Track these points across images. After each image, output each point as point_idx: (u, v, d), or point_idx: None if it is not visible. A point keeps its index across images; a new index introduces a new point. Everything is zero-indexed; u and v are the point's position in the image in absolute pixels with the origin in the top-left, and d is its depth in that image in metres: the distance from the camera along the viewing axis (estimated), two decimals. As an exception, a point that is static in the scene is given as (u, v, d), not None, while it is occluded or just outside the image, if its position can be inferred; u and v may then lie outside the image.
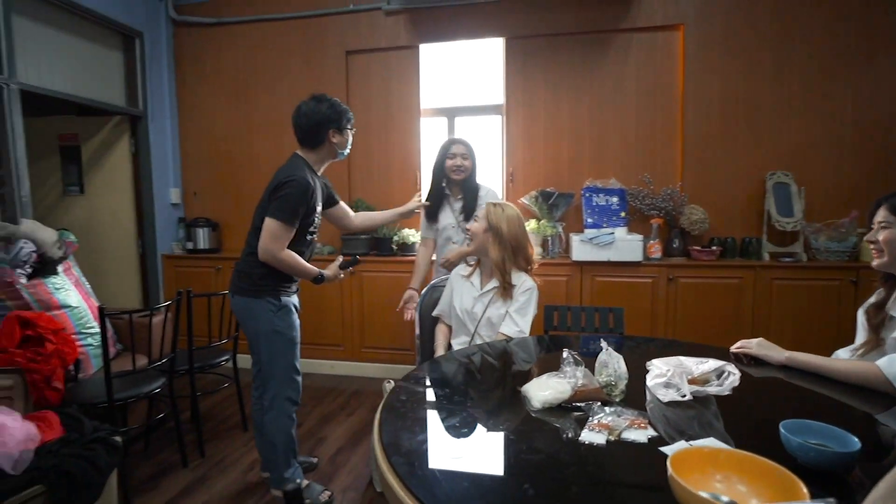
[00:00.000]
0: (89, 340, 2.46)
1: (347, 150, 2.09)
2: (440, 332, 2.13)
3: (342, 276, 2.09)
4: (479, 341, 1.96)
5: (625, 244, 3.09)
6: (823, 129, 3.13)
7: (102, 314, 2.05)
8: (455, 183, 2.50)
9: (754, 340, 1.56)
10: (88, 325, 2.47)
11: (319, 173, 2.07)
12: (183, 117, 4.01)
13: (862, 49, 3.06)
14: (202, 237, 3.84)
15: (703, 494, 0.70)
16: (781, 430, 0.94)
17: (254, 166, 3.91)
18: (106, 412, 2.09)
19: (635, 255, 3.09)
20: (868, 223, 1.43)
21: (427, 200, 2.51)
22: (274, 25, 3.80)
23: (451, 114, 3.77)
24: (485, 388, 1.40)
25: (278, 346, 1.99)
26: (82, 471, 1.68)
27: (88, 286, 2.68)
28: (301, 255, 1.98)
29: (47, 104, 3.32)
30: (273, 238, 1.86)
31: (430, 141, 3.80)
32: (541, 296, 2.04)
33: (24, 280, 2.30)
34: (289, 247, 1.92)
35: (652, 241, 3.17)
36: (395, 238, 3.54)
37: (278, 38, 3.81)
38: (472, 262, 2.11)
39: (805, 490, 0.70)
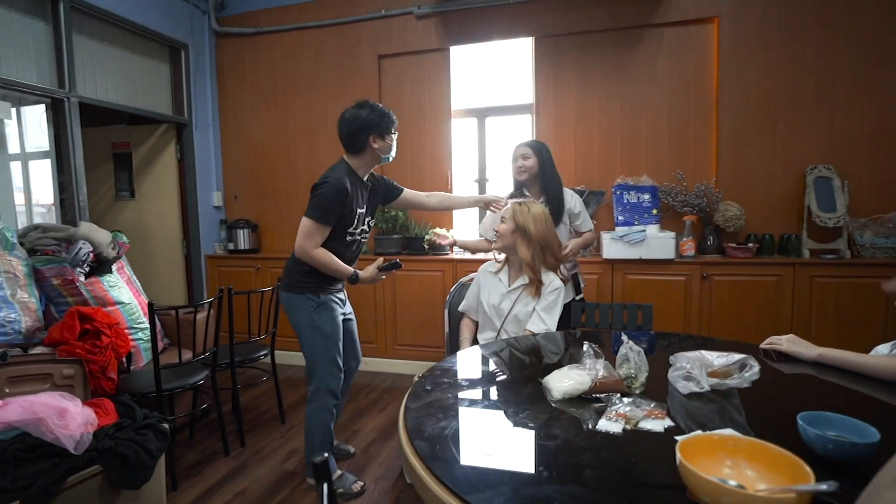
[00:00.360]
0: (140, 335, 2.63)
1: (392, 154, 2.12)
2: (465, 326, 2.18)
3: (382, 277, 2.11)
4: (504, 337, 2.00)
5: (656, 242, 3.05)
6: (868, 119, 3.00)
7: (152, 310, 2.19)
8: (525, 183, 2.47)
9: (784, 337, 1.54)
10: (139, 321, 2.64)
11: (365, 178, 2.11)
12: (225, 124, 4.21)
13: (911, 36, 2.92)
14: (242, 238, 4.01)
15: (711, 478, 0.72)
16: (799, 421, 0.94)
17: (291, 169, 4.07)
18: (155, 401, 2.23)
19: (667, 252, 3.04)
20: None
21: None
22: (309, 33, 3.94)
23: (481, 114, 3.81)
24: (508, 379, 1.44)
25: (318, 340, 2.07)
26: (135, 454, 1.82)
27: (139, 284, 2.86)
28: (340, 254, 2.03)
29: (102, 114, 3.56)
30: (306, 236, 1.96)
31: (461, 141, 3.85)
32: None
33: (82, 278, 2.48)
34: (328, 246, 2.00)
35: (685, 239, 3.12)
36: (427, 237, 3.60)
37: (314, 44, 3.94)
38: (501, 259, 2.14)
39: (811, 474, 0.71)
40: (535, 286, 1.97)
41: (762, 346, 1.58)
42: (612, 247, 3.09)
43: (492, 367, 1.56)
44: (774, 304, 2.95)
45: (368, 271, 2.08)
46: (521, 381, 1.42)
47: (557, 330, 1.97)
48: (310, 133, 4.00)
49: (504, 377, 1.46)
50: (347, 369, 2.29)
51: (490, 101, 3.79)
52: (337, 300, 2.14)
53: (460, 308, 2.23)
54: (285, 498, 2.17)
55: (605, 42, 3.40)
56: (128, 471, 1.80)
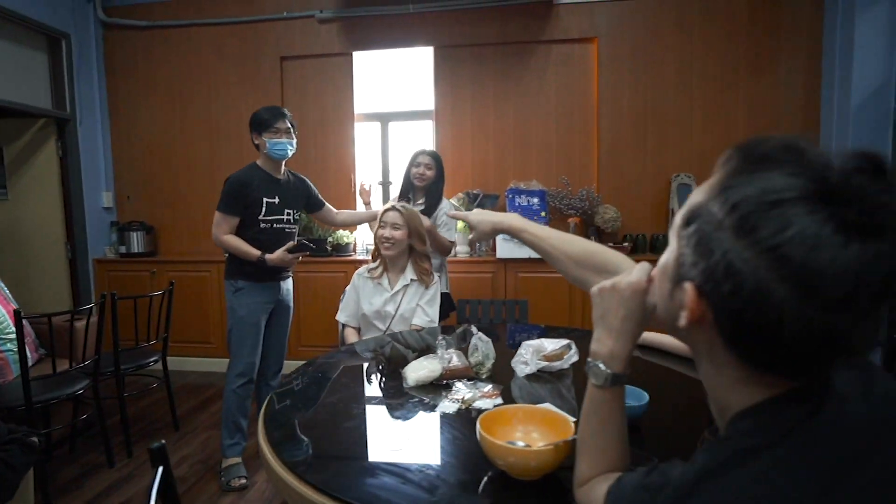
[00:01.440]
0: (9, 346, 2.45)
1: (280, 150, 2.27)
2: (350, 336, 2.18)
3: (289, 259, 2.25)
4: (390, 336, 2.11)
5: (544, 242, 3.31)
6: (720, 134, 3.46)
7: (19, 317, 2.08)
8: (418, 189, 2.70)
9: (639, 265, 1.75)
10: (8, 331, 2.46)
11: (277, 174, 2.33)
12: (115, 120, 3.99)
13: (751, 63, 3.40)
14: (136, 241, 3.83)
15: (498, 442, 0.87)
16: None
17: (190, 170, 3.93)
18: (26, 415, 2.11)
19: (554, 251, 3.31)
20: None
21: (398, 199, 2.70)
22: (208, 30, 3.84)
23: (384, 119, 3.91)
24: (373, 371, 1.55)
25: (232, 321, 2.30)
26: (-6, 469, 1.72)
27: (7, 291, 2.66)
28: (258, 240, 2.25)
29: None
30: (215, 224, 2.26)
31: (365, 146, 3.93)
32: (461, 290, 2.22)
33: (-64, 286, 2.28)
34: (245, 232, 2.26)
35: (570, 239, 3.41)
36: (330, 239, 3.65)
37: (213, 42, 3.84)
38: (375, 265, 2.20)
39: (573, 428, 0.88)
40: (427, 282, 2.11)
41: None
42: (504, 247, 3.31)
43: (363, 362, 1.66)
44: (644, 297, 3.31)
45: (277, 254, 2.22)
46: (386, 372, 1.54)
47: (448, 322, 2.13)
48: (210, 133, 3.89)
49: (370, 370, 1.57)
50: (267, 360, 2.45)
51: (393, 107, 3.90)
52: (262, 288, 2.31)
53: (339, 319, 2.24)
54: (172, 504, 2.15)
55: (499, 55, 3.63)
56: (-14, 488, 1.71)
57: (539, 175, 3.60)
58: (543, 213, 3.46)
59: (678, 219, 0.53)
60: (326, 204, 2.60)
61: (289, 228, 2.38)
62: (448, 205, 2.79)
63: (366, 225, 3.29)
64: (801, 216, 0.42)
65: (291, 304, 2.53)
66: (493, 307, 2.42)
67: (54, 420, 2.65)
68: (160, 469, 0.84)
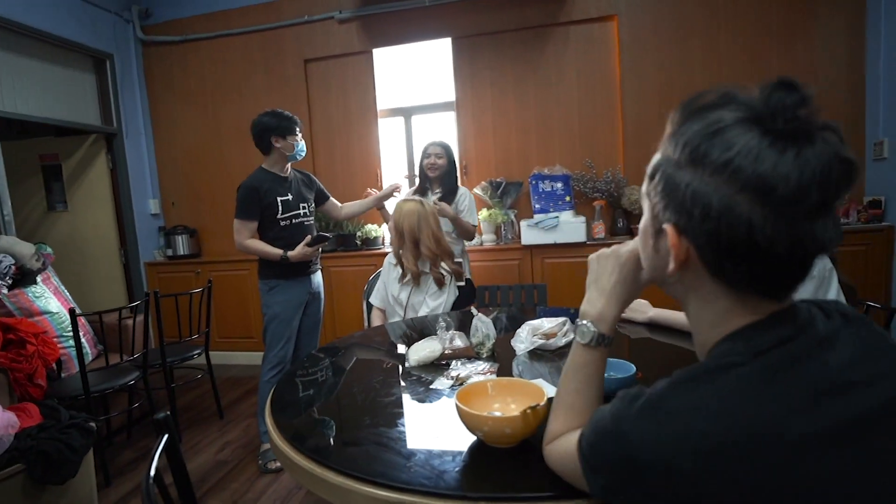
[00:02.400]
0: (71, 343, 2.70)
1: (299, 152, 2.42)
2: (376, 317, 2.35)
3: (310, 252, 2.36)
4: (408, 323, 2.17)
5: (569, 226, 3.28)
6: (751, 106, 3.29)
7: (73, 316, 2.28)
8: (433, 179, 2.82)
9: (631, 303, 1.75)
10: (69, 329, 2.72)
11: (284, 173, 2.44)
12: (157, 131, 4.25)
13: (784, 28, 3.22)
14: (181, 244, 4.08)
15: (473, 412, 0.91)
16: (583, 366, 1.14)
17: (226, 173, 4.15)
18: (85, 404, 2.33)
19: (579, 236, 3.28)
20: None
21: (415, 194, 2.82)
22: (235, 39, 4.02)
23: (407, 113, 3.98)
24: (382, 353, 1.62)
25: (269, 318, 2.43)
26: (57, 450, 1.92)
27: (68, 294, 2.93)
28: (284, 238, 2.37)
29: (28, 127, 3.57)
30: (236, 231, 2.39)
31: (389, 140, 4.01)
32: (487, 277, 2.23)
33: (5, 290, 2.54)
34: (268, 234, 2.39)
35: (596, 223, 3.36)
36: (359, 234, 3.75)
37: (240, 50, 4.03)
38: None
39: (546, 395, 0.91)
40: (417, 277, 2.15)
41: None
42: (529, 233, 3.31)
43: (371, 345, 1.73)
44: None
45: (297, 249, 2.33)
46: (391, 354, 1.60)
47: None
48: (241, 137, 4.07)
49: (379, 352, 1.63)
50: (298, 351, 2.55)
51: (415, 101, 3.95)
52: (294, 283, 2.43)
53: (371, 300, 2.41)
54: (214, 484, 2.31)
55: (517, 41, 3.61)
56: (50, 467, 1.90)
57: (563, 159, 3.57)
58: (568, 198, 3.42)
59: (645, 180, 0.60)
60: (331, 198, 2.72)
61: (307, 221, 2.51)
62: (466, 191, 2.83)
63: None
64: (740, 136, 0.50)
65: (322, 296, 2.65)
66: (511, 292, 2.44)
67: (113, 408, 2.90)
68: (165, 436, 0.92)
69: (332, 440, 1.02)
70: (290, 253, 2.34)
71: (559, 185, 3.44)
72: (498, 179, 3.56)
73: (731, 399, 0.50)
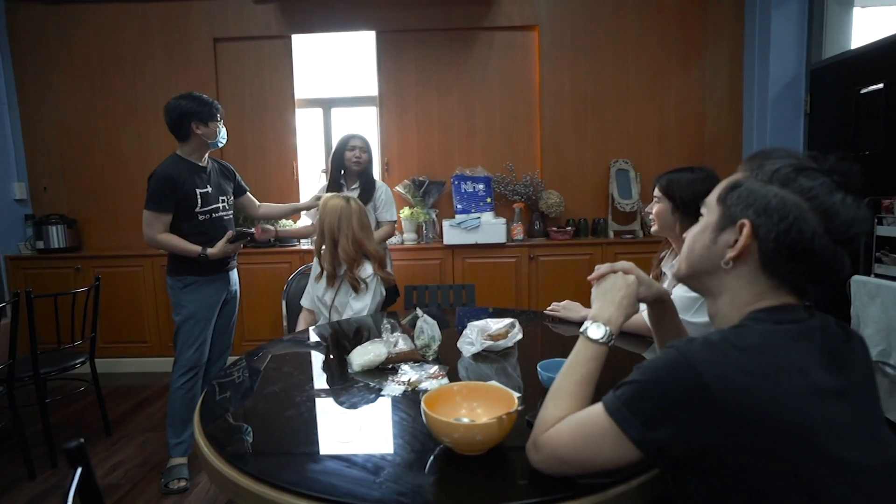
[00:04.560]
0: None
1: (220, 140, 2.24)
2: (302, 320, 2.21)
3: (231, 249, 2.21)
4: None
5: (490, 227, 3.35)
6: (653, 121, 3.61)
7: (-85, 320, 1.87)
8: (352, 173, 2.70)
9: (562, 304, 1.83)
10: None
11: (202, 162, 2.24)
12: (23, 104, 3.65)
13: (681, 52, 3.56)
14: (56, 235, 3.53)
15: (441, 419, 0.87)
16: (538, 368, 1.15)
17: (115, 157, 3.67)
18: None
19: (499, 237, 3.36)
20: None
21: (327, 187, 2.69)
22: (131, 8, 3.57)
23: (326, 105, 3.81)
24: (318, 358, 1.52)
25: (181, 319, 2.21)
26: None
27: None
28: (204, 233, 2.18)
29: None
30: (147, 224, 2.13)
31: (306, 132, 3.81)
32: (408, 277, 2.19)
33: None
34: (184, 228, 2.16)
35: (515, 224, 3.47)
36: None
37: (137, 22, 3.58)
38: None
39: (516, 401, 0.90)
40: (332, 279, 2.05)
41: (547, 310, 1.86)
42: (451, 233, 3.32)
43: (305, 348, 1.62)
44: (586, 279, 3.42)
45: (217, 246, 2.17)
46: (330, 359, 1.51)
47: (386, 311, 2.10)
48: (137, 118, 3.64)
49: (315, 357, 1.53)
50: (211, 354, 2.36)
51: (336, 92, 3.79)
52: (211, 280, 2.25)
53: (302, 301, 2.26)
54: (104, 512, 2.02)
55: (443, 41, 3.61)
56: None
57: (484, 161, 3.63)
58: (489, 200, 3.49)
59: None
60: (248, 192, 2.54)
61: (227, 216, 2.32)
62: (384, 186, 2.78)
63: (308, 213, 3.18)
64: (817, 177, 0.70)
65: (238, 295, 2.46)
66: (440, 292, 2.43)
67: (-35, 432, 2.43)
68: (79, 470, 0.77)
69: (282, 458, 0.92)
70: (209, 250, 2.15)
71: (481, 186, 3.50)
72: (420, 178, 3.54)
73: (770, 338, 0.68)
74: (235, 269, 2.42)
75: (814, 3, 3.13)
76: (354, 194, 2.65)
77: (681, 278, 0.85)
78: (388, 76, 3.63)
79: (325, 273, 2.07)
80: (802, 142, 3.24)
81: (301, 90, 3.70)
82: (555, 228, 3.52)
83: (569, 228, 3.51)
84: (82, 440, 0.79)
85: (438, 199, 3.61)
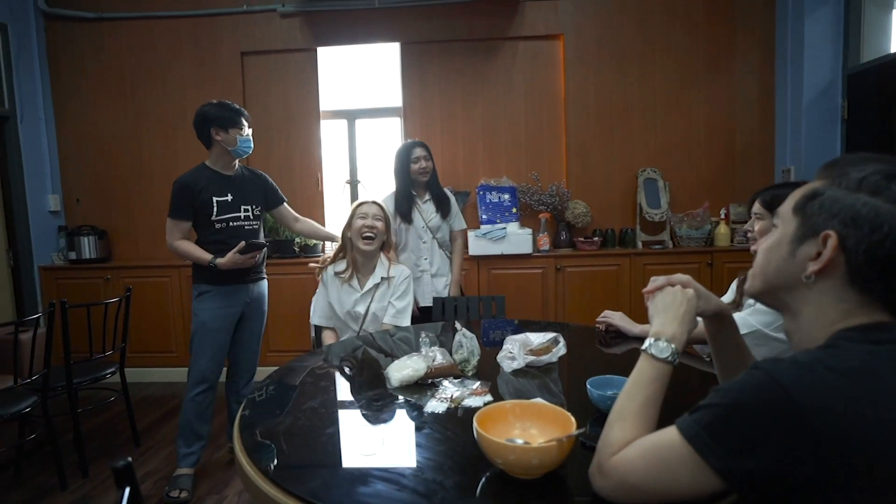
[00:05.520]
0: (-55, 362, 2.25)
1: (243, 147, 2.21)
2: (328, 338, 2.09)
3: (242, 260, 2.15)
4: (365, 336, 2.04)
5: (516, 238, 3.31)
6: (682, 129, 3.54)
7: (-45, 331, 1.90)
8: (420, 185, 2.62)
9: (617, 314, 1.75)
10: (-57, 346, 2.26)
11: (227, 171, 2.24)
12: (59, 118, 3.74)
13: (709, 61, 3.50)
14: (87, 246, 3.60)
15: (496, 439, 0.83)
16: (588, 385, 1.11)
17: (144, 170, 3.73)
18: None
19: (526, 247, 3.31)
20: (747, 215, 1.63)
21: (397, 205, 2.59)
22: (162, 23, 3.65)
23: (351, 116, 3.82)
24: (355, 373, 1.49)
25: (195, 327, 2.22)
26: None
27: (-57, 303, 2.44)
28: (215, 242, 2.18)
29: None
30: (168, 231, 2.19)
31: (331, 143, 3.83)
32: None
33: None
34: (202, 235, 2.20)
35: (541, 235, 3.42)
36: (297, 240, 3.53)
37: (168, 36, 3.66)
38: (345, 268, 2.08)
39: (574, 422, 0.86)
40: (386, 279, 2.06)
41: (598, 319, 1.79)
42: (477, 244, 3.29)
43: (341, 363, 1.60)
44: (615, 290, 3.36)
45: (228, 257, 2.13)
46: (366, 373, 1.48)
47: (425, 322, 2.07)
48: (166, 131, 3.70)
49: (351, 372, 1.51)
50: (237, 370, 2.38)
51: (360, 104, 3.81)
52: (226, 291, 2.22)
53: (314, 322, 2.14)
54: (135, 525, 2.01)
55: (467, 51, 3.61)
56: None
57: (509, 171, 3.60)
58: (515, 210, 3.45)
59: (791, 204, 0.73)
60: (286, 204, 2.49)
61: (249, 226, 2.28)
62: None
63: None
64: None
65: (265, 308, 2.42)
66: (469, 304, 2.39)
67: (-1, 441, 2.45)
68: (127, 490, 0.75)
69: (328, 479, 0.89)
70: (218, 259, 2.13)
71: (506, 196, 3.47)
72: (447, 188, 3.51)
73: (871, 361, 0.61)
74: (263, 281, 2.40)
75: (850, 6, 3.05)
76: (429, 207, 2.62)
77: (755, 294, 0.80)
78: (413, 87, 3.64)
79: (355, 283, 2.04)
80: (840, 149, 3.15)
81: (326, 102, 3.73)
82: (581, 239, 3.47)
83: (596, 239, 3.45)
84: (130, 459, 0.77)
85: (463, 210, 3.58)
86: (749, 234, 1.57)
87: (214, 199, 2.17)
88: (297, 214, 2.53)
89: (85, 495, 2.22)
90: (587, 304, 3.36)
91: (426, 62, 3.62)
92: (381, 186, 3.72)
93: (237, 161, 2.27)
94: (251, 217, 2.29)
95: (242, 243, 2.15)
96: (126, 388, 2.70)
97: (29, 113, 3.53)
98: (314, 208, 3.71)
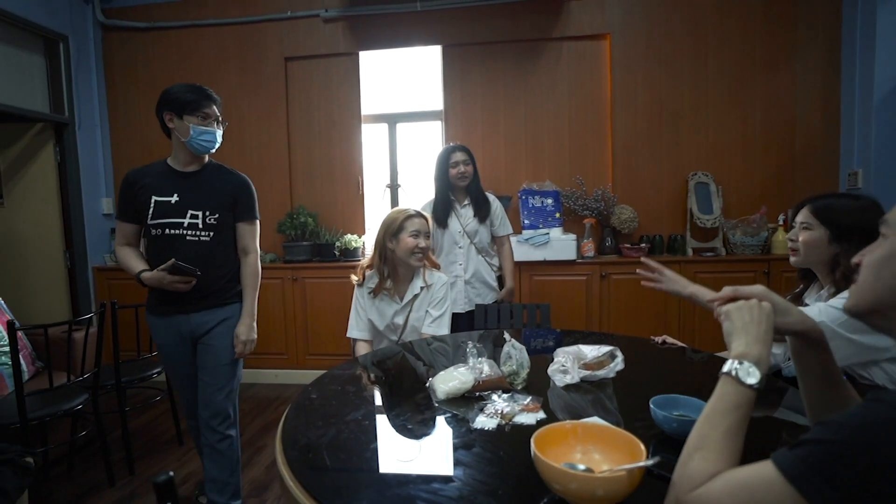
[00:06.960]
0: (3, 359, 2.34)
1: (199, 141, 1.76)
2: (361, 349, 2.00)
3: (168, 280, 1.73)
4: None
5: (559, 244, 3.20)
6: (736, 131, 3.35)
7: (12, 330, 1.96)
8: (460, 189, 2.57)
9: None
10: (2, 344, 2.35)
11: (187, 167, 1.84)
12: (115, 124, 3.89)
13: (767, 58, 3.30)
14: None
15: (556, 465, 0.76)
16: (651, 404, 1.01)
17: (191, 174, 3.83)
18: (20, 433, 1.99)
19: (569, 253, 3.20)
20: (791, 222, 1.51)
21: (434, 209, 2.55)
22: (209, 31, 3.74)
23: (392, 120, 3.81)
24: (397, 383, 1.44)
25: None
26: (-14, 493, 1.60)
27: (2, 302, 2.55)
28: (150, 250, 1.83)
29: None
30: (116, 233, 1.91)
31: (372, 147, 3.83)
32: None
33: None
34: (146, 243, 1.86)
35: (585, 241, 3.30)
36: (338, 244, 3.53)
37: (215, 44, 3.75)
38: (380, 280, 1.98)
39: (643, 450, 0.77)
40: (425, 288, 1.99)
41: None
42: (519, 249, 3.19)
43: (383, 373, 1.55)
44: (664, 300, 3.19)
45: (154, 273, 1.75)
46: (410, 384, 1.42)
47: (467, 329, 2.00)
48: (211, 136, 3.79)
49: (394, 382, 1.45)
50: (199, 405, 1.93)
51: (401, 107, 3.80)
52: (168, 312, 1.84)
53: (350, 336, 2.03)
54: (177, 526, 2.02)
55: (509, 53, 3.54)
56: (-23, 513, 1.59)
57: (552, 175, 3.50)
58: (558, 215, 3.35)
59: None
60: (244, 224, 1.90)
61: (192, 236, 1.79)
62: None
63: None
64: None
65: (226, 342, 1.87)
66: (512, 311, 2.31)
67: (51, 437, 2.54)
68: (169, 505, 0.71)
69: (379, 499, 0.84)
70: (145, 274, 1.77)
71: (549, 201, 3.37)
72: (487, 192, 3.44)
73: None
74: (216, 311, 1.87)
75: (929, -4, 2.81)
76: (467, 212, 2.58)
77: (860, 313, 0.70)
78: (454, 90, 3.59)
79: (416, 291, 1.96)
80: (917, 151, 2.90)
81: (367, 105, 3.73)
82: (628, 245, 3.32)
83: (643, 245, 3.30)
84: (171, 473, 0.74)
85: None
86: (790, 244, 1.44)
87: (154, 198, 1.77)
88: (250, 248, 1.92)
89: (132, 492, 2.26)
90: (633, 313, 3.21)
91: (468, 64, 3.57)
92: (421, 191, 3.69)
93: (206, 158, 1.87)
94: (200, 226, 1.80)
95: (172, 261, 1.70)
96: (170, 388, 2.74)
97: (86, 120, 3.68)
98: (355, 212, 3.71)
